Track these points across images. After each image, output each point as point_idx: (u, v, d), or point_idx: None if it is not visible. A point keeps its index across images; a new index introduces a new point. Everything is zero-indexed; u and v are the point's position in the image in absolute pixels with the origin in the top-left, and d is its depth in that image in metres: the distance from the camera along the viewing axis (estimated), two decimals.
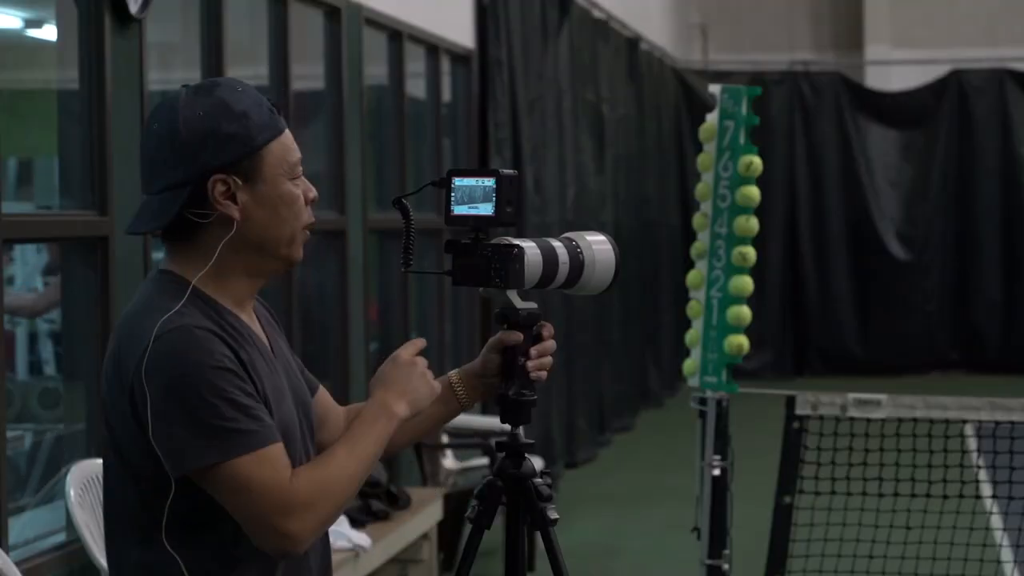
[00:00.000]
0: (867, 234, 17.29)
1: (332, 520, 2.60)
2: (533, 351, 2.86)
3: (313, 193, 2.68)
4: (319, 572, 2.74)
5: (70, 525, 5.10)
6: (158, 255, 7.11)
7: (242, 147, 2.58)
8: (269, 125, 2.61)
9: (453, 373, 2.91)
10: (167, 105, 2.62)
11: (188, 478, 2.52)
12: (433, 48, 9.65)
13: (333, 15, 7.80)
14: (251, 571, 2.59)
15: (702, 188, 5.46)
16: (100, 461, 5.08)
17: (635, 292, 14.20)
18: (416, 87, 9.60)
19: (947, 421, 5.68)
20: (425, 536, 7.22)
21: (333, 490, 2.56)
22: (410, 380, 2.71)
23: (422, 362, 2.74)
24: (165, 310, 2.53)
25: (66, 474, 4.94)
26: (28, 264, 8.34)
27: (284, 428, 2.60)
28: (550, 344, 2.88)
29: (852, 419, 5.58)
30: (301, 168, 2.67)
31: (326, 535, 2.77)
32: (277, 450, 2.54)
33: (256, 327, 2.70)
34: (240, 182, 2.59)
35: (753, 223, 5.40)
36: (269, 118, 2.62)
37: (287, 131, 2.66)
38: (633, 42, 14.45)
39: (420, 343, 2.78)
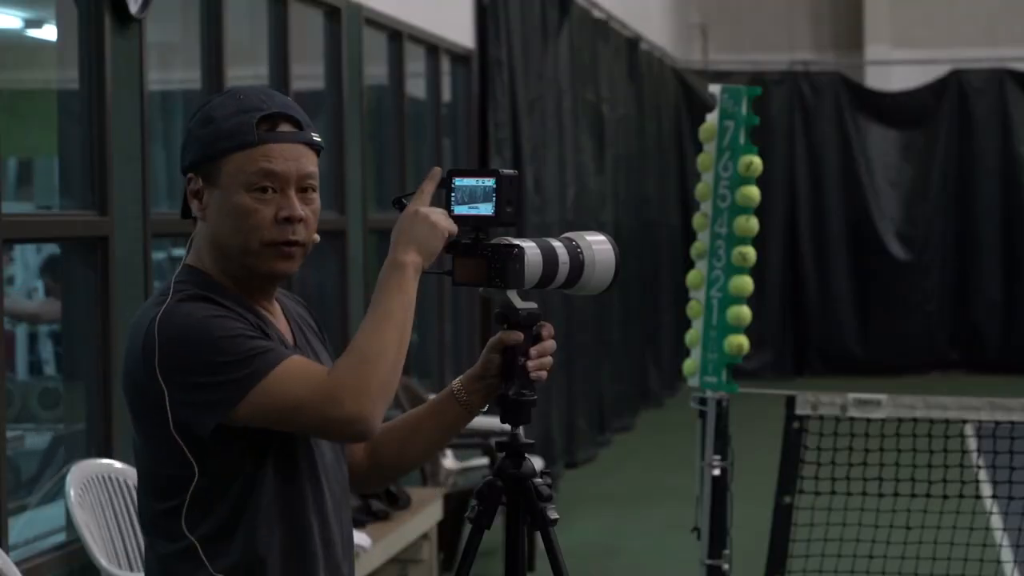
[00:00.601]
0: (867, 234, 17.29)
1: (390, 387, 2.59)
2: (533, 351, 2.85)
3: (287, 212, 2.66)
4: (343, 539, 2.78)
5: (70, 525, 5.10)
6: (158, 255, 7.11)
7: (201, 151, 2.69)
8: (234, 136, 2.65)
9: (455, 381, 2.92)
10: None
11: (209, 459, 2.59)
12: (433, 48, 9.65)
13: (333, 15, 7.80)
14: (274, 543, 2.64)
15: (702, 188, 5.46)
16: (100, 461, 5.11)
17: (635, 292, 14.20)
18: (416, 87, 9.60)
19: (947, 421, 5.68)
20: (425, 536, 7.22)
21: (374, 357, 2.57)
22: (412, 229, 2.68)
23: (426, 208, 2.70)
24: (163, 297, 2.65)
25: (66, 474, 4.95)
26: (28, 265, 8.34)
27: None
28: (550, 344, 2.88)
29: (852, 419, 5.58)
30: (275, 184, 2.65)
31: (347, 508, 2.80)
32: (301, 360, 2.61)
33: (277, 320, 2.76)
34: (202, 183, 2.70)
35: (753, 223, 5.40)
36: (238, 129, 2.65)
37: (269, 147, 2.66)
38: (633, 42, 14.45)
39: (429, 187, 2.73)
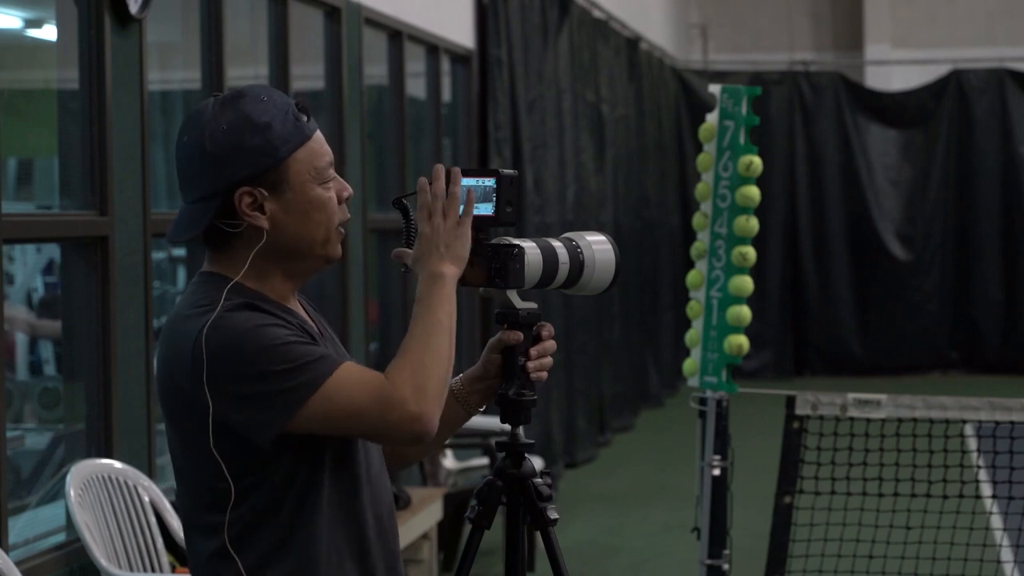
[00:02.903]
0: (867, 234, 17.29)
1: (445, 391, 2.62)
2: (533, 351, 2.86)
3: (348, 191, 2.72)
4: (391, 530, 2.78)
5: (70, 525, 5.10)
6: (158, 255, 7.11)
7: (265, 160, 2.63)
8: (293, 134, 2.65)
9: (454, 381, 2.92)
10: (195, 117, 2.68)
11: (249, 469, 2.58)
12: (433, 48, 9.65)
13: (333, 15, 7.80)
14: (317, 550, 2.63)
15: (702, 188, 5.45)
16: (100, 461, 5.11)
17: (635, 292, 14.19)
18: (416, 87, 9.60)
19: (947, 421, 5.67)
20: (425, 536, 7.22)
21: (431, 363, 2.61)
22: (437, 243, 2.70)
23: (439, 215, 2.70)
24: (206, 308, 2.60)
25: (66, 474, 4.94)
26: (28, 264, 8.33)
27: None
28: (550, 344, 2.88)
29: (852, 419, 5.57)
30: (332, 169, 2.70)
31: (394, 517, 2.80)
32: (354, 365, 2.61)
33: (303, 314, 2.76)
34: (266, 193, 2.65)
35: (753, 223, 5.40)
36: (293, 127, 2.65)
37: (316, 135, 2.69)
38: (633, 42, 14.45)
39: (431, 185, 2.71)
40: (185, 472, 2.67)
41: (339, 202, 2.71)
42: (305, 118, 2.68)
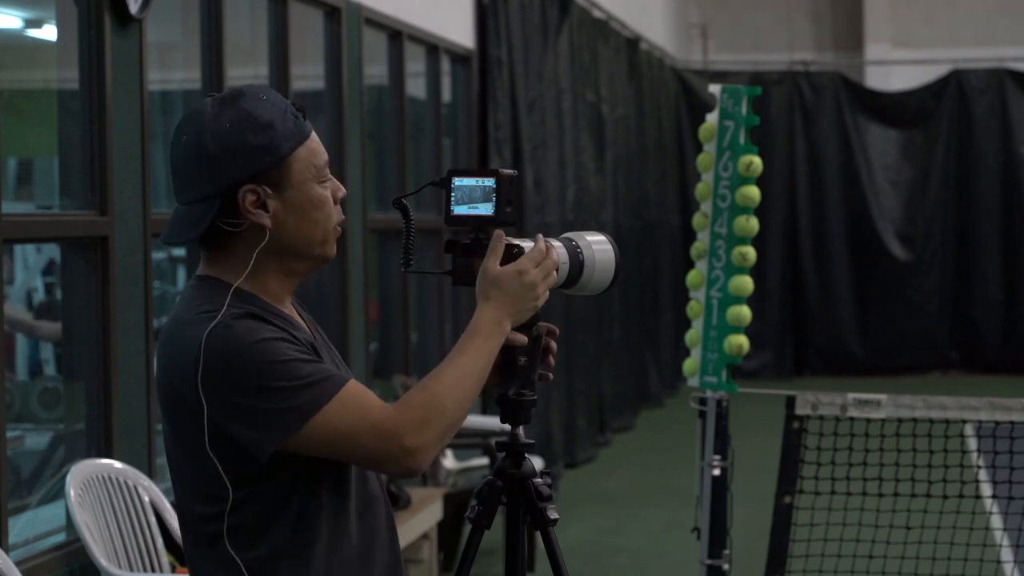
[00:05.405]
0: (867, 234, 17.29)
1: (447, 436, 2.62)
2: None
3: (342, 192, 2.73)
4: (388, 546, 2.76)
5: (70, 525, 5.11)
6: (158, 255, 7.11)
7: (269, 158, 2.63)
8: (294, 132, 2.66)
9: None
10: (194, 117, 2.67)
11: (248, 478, 2.57)
12: (433, 48, 9.65)
13: (333, 15, 7.80)
14: (314, 561, 2.63)
15: (702, 188, 5.45)
16: (100, 461, 5.11)
17: (635, 292, 14.19)
18: (416, 87, 9.60)
19: (947, 421, 5.67)
20: (425, 536, 7.22)
21: (447, 405, 2.60)
22: (524, 300, 2.72)
23: (533, 276, 2.73)
24: (208, 314, 2.58)
25: (66, 474, 4.94)
26: (28, 263, 8.34)
27: None
28: (551, 344, 2.88)
29: (852, 419, 5.57)
30: (328, 169, 2.71)
31: (395, 534, 2.80)
32: (357, 387, 2.59)
33: (298, 319, 2.76)
34: (269, 191, 2.64)
35: (753, 223, 5.39)
36: (294, 125, 2.66)
37: (312, 135, 2.70)
38: (633, 42, 14.45)
39: (545, 252, 2.76)
40: (185, 476, 2.66)
41: (335, 202, 2.71)
42: (302, 117, 2.69)
